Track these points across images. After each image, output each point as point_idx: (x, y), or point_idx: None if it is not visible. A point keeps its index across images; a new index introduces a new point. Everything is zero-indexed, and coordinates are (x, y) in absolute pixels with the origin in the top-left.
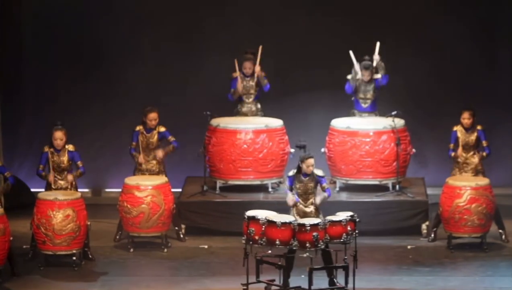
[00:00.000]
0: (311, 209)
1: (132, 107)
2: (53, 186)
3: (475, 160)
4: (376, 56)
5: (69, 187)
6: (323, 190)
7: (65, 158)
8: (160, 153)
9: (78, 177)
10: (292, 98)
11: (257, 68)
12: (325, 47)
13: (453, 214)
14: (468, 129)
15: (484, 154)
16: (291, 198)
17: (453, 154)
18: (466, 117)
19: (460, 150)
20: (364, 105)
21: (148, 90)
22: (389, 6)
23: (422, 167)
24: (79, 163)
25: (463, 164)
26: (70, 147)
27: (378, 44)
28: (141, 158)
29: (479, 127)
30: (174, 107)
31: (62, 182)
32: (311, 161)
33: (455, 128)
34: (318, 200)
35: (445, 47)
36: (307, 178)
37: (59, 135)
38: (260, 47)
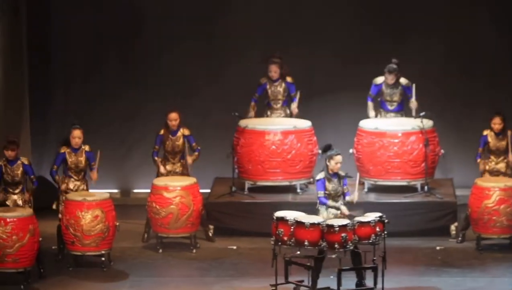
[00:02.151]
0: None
1: (160, 107)
2: (71, 187)
3: (504, 165)
4: (414, 103)
5: (85, 188)
6: (344, 192)
7: (82, 158)
8: (189, 160)
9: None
10: (320, 99)
11: (295, 109)
12: (355, 47)
13: (482, 215)
14: (499, 134)
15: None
16: (344, 209)
17: (479, 159)
18: (497, 123)
19: (483, 162)
20: (390, 108)
21: (176, 91)
22: (415, 6)
23: (450, 167)
24: (93, 163)
25: (493, 169)
26: (86, 147)
27: (414, 87)
28: (162, 168)
29: (510, 132)
30: (203, 108)
31: (79, 183)
32: (339, 158)
33: (485, 132)
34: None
35: (474, 49)
36: (336, 179)
37: (77, 134)
38: (299, 92)
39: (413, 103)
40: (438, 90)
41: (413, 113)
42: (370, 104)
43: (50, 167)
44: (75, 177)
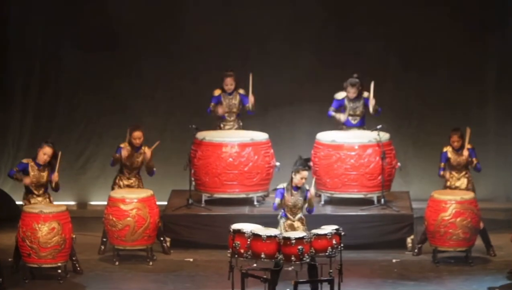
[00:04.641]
0: (298, 224)
1: (118, 120)
2: (31, 201)
3: (465, 181)
4: (372, 101)
5: (56, 180)
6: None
7: (45, 174)
8: (148, 153)
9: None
10: (277, 111)
11: (251, 98)
12: (311, 60)
13: (438, 227)
14: (458, 150)
15: (475, 163)
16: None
17: (442, 172)
18: (455, 140)
19: (448, 174)
20: (353, 122)
21: (133, 103)
22: (377, 20)
23: (407, 180)
24: (56, 171)
25: (454, 185)
26: None
27: (372, 84)
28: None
29: (468, 146)
30: (160, 120)
31: (40, 198)
32: (305, 174)
33: (445, 149)
34: (312, 190)
35: (431, 63)
36: (297, 191)
37: (47, 151)
38: (251, 75)
39: (371, 101)
40: (395, 103)
41: (370, 109)
42: (334, 114)
43: (10, 169)
44: (36, 192)
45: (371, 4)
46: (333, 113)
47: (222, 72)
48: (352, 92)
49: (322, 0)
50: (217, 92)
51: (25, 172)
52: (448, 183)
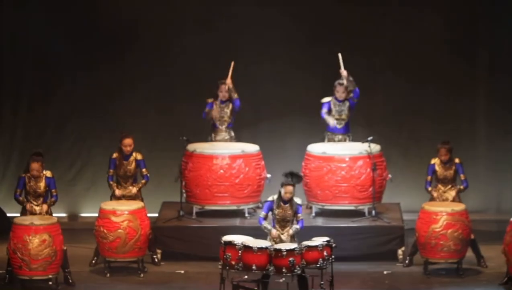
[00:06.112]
0: (286, 236)
1: (108, 131)
2: (27, 212)
3: (453, 193)
4: (344, 72)
5: (43, 213)
6: (297, 219)
7: (42, 184)
8: (134, 190)
9: (51, 205)
10: (268, 123)
11: (229, 80)
12: (301, 72)
13: (429, 239)
14: (446, 163)
15: (462, 187)
16: (274, 232)
17: (430, 188)
18: (443, 154)
19: (435, 191)
20: (338, 126)
21: (123, 114)
22: (368, 31)
23: (397, 192)
24: (53, 191)
25: (441, 197)
26: (47, 173)
27: (340, 56)
28: (117, 191)
29: (457, 160)
30: (151, 132)
31: (37, 208)
32: (289, 189)
33: (432, 161)
34: (290, 231)
35: (423, 75)
36: (287, 205)
37: (35, 167)
38: (233, 63)
39: (343, 72)
40: (385, 114)
41: (344, 81)
42: (326, 117)
43: (14, 191)
44: (34, 202)
45: (362, 17)
46: (325, 116)
47: (217, 82)
48: (341, 91)
49: (315, 13)
50: (209, 100)
51: (25, 185)
52: (436, 196)
